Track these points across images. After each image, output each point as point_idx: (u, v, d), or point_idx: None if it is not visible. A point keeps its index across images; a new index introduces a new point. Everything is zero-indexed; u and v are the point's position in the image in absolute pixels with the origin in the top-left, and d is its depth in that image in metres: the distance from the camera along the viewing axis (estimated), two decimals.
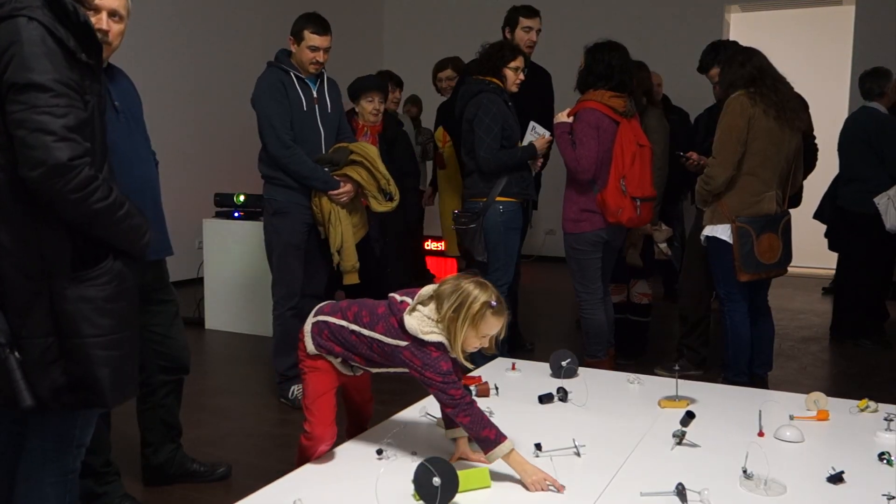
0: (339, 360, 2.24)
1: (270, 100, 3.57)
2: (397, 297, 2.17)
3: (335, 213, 3.62)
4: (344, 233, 3.65)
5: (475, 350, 2.14)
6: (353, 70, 5.19)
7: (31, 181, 1.66)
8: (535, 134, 4.00)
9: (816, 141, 4.49)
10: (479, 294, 2.05)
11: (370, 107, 4.59)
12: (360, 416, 2.52)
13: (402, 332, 2.08)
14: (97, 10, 2.15)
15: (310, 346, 2.23)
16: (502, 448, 2.02)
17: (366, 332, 2.14)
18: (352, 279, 3.73)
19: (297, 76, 3.62)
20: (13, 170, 1.68)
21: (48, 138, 1.64)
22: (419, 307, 2.10)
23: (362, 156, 3.65)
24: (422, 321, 2.07)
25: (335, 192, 3.60)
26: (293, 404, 3.64)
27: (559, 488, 1.99)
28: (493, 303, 2.05)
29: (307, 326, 2.25)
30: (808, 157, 3.90)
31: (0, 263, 1.72)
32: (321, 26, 3.58)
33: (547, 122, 4.02)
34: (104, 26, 2.19)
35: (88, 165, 1.70)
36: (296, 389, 3.65)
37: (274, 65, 3.66)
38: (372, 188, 3.68)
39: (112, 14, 2.21)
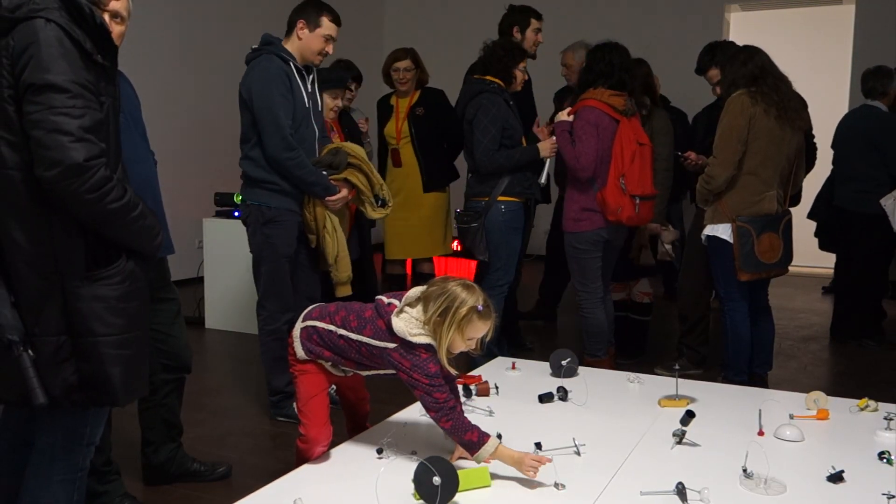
0: (330, 363, 2.24)
1: (276, 93, 3.17)
2: (384, 299, 2.18)
3: (331, 221, 3.34)
4: (339, 242, 3.38)
5: (460, 352, 2.14)
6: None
7: (46, 181, 1.67)
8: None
9: (815, 140, 4.49)
10: (466, 298, 2.05)
11: (333, 103, 4.04)
12: (357, 415, 2.53)
13: (391, 334, 2.09)
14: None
15: (300, 352, 2.24)
16: (487, 448, 2.03)
17: (354, 335, 2.15)
18: (344, 291, 3.44)
19: (296, 67, 3.28)
20: (29, 169, 1.70)
21: (64, 139, 1.65)
22: (407, 309, 2.10)
23: (359, 158, 3.38)
24: (409, 323, 2.08)
25: (333, 197, 3.30)
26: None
27: (545, 461, 2.00)
28: (480, 307, 2.05)
29: (296, 331, 2.26)
30: (807, 155, 3.90)
31: (14, 262, 1.74)
32: (337, 15, 3.32)
33: (528, 126, 4.05)
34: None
35: (104, 166, 1.71)
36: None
37: (270, 51, 3.25)
38: (369, 193, 3.42)
39: (114, 16, 2.22)
